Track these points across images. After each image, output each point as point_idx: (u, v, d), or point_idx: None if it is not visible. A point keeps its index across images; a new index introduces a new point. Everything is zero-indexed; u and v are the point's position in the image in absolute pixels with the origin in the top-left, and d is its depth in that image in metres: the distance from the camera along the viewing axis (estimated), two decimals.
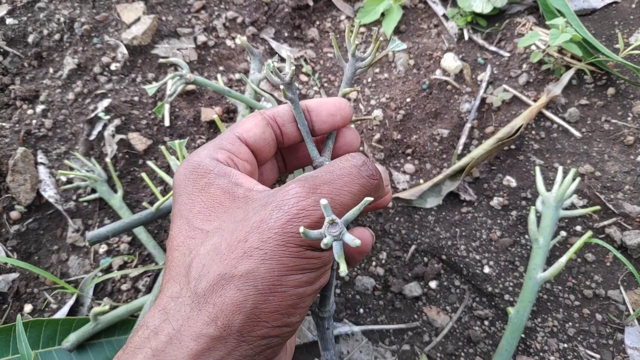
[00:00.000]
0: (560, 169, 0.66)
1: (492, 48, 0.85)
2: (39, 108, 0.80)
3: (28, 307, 0.70)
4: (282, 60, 0.87)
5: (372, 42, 0.44)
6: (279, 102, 0.76)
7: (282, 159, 0.51)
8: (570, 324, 0.64)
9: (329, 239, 0.29)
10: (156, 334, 0.33)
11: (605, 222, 0.69)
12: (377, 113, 0.79)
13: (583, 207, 0.70)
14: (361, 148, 0.77)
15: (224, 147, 0.42)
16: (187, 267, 0.35)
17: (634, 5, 0.85)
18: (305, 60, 0.87)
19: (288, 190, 0.35)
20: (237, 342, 0.33)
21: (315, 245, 0.34)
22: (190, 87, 0.81)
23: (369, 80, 0.84)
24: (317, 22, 0.91)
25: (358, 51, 0.46)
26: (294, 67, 0.44)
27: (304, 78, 0.85)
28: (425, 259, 0.71)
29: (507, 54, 0.83)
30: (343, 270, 0.28)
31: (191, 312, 0.33)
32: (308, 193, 0.34)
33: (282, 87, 0.44)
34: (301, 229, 0.28)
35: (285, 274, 0.34)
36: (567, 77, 0.78)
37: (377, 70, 0.85)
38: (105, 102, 0.79)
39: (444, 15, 0.89)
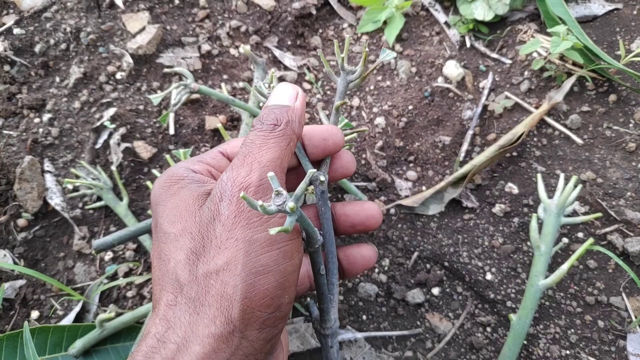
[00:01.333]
0: (562, 176, 0.66)
1: (494, 55, 0.85)
2: (46, 117, 0.81)
3: (35, 314, 0.71)
4: (287, 68, 0.88)
5: (362, 55, 0.45)
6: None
7: None
8: (572, 330, 0.65)
9: (272, 208, 0.30)
10: (164, 343, 0.34)
11: (607, 229, 0.69)
12: (380, 120, 0.80)
13: (585, 213, 0.71)
14: (364, 155, 0.78)
15: (203, 160, 0.43)
16: (174, 275, 0.36)
17: (635, 12, 0.85)
18: (308, 68, 0.87)
19: (222, 179, 0.37)
20: (239, 340, 0.34)
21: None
22: (195, 95, 0.82)
23: (372, 87, 0.85)
24: (320, 31, 0.92)
25: (347, 65, 0.47)
26: (273, 85, 0.46)
27: (307, 86, 0.86)
28: (428, 266, 0.71)
29: (509, 61, 0.84)
30: (273, 230, 0.29)
31: (190, 317, 0.34)
32: (238, 171, 0.37)
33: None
34: (241, 194, 0.30)
35: (261, 253, 0.35)
36: (568, 84, 0.79)
37: (380, 77, 0.86)
38: (111, 111, 0.80)
39: (445, 22, 0.89)
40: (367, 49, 0.49)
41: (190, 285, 0.35)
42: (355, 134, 0.58)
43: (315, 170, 0.45)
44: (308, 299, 0.70)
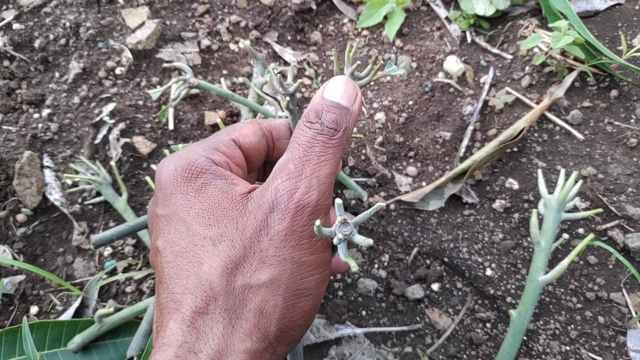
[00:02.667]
0: (563, 171, 0.66)
1: (495, 50, 0.85)
2: (45, 112, 0.81)
3: (34, 309, 0.71)
4: (286, 64, 0.87)
5: (371, 63, 0.44)
6: (282, 106, 0.77)
7: (264, 170, 0.51)
8: (572, 326, 0.64)
9: (341, 237, 0.30)
10: (195, 354, 0.32)
11: (608, 225, 0.69)
12: (380, 116, 0.80)
13: (586, 209, 0.70)
14: (364, 151, 0.78)
15: (219, 148, 0.41)
16: (208, 281, 0.34)
17: (637, 7, 0.85)
18: (308, 63, 0.87)
19: (277, 187, 0.35)
20: (270, 355, 0.34)
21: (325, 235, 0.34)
22: (194, 90, 0.82)
23: (372, 83, 0.85)
24: (320, 26, 0.92)
25: (357, 71, 0.46)
26: (300, 81, 0.45)
27: (307, 81, 0.86)
28: (428, 262, 0.71)
29: (510, 57, 0.84)
30: (354, 266, 0.29)
31: (225, 329, 0.33)
32: (296, 183, 0.35)
33: (283, 97, 0.44)
34: (317, 222, 0.29)
35: (306, 276, 0.34)
36: (569, 79, 0.78)
37: (380, 73, 0.85)
38: (110, 106, 0.80)
39: (446, 17, 0.89)
40: (379, 62, 0.48)
41: (227, 295, 0.33)
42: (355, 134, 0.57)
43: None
44: None
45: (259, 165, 0.46)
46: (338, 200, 0.31)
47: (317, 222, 0.29)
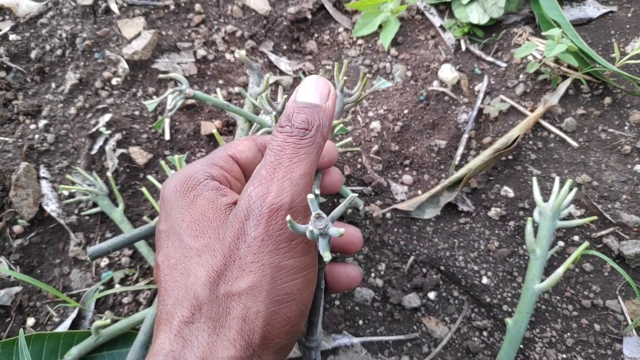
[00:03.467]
0: (557, 179, 0.66)
1: (489, 58, 0.85)
2: (42, 123, 0.81)
3: (31, 321, 0.70)
4: (282, 73, 0.88)
5: (360, 80, 0.45)
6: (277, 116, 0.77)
7: None
8: (568, 334, 0.65)
9: (315, 232, 0.30)
10: None
11: (603, 232, 0.69)
12: (375, 125, 0.80)
13: (580, 217, 0.71)
14: (359, 160, 0.78)
15: (217, 163, 0.42)
16: (192, 291, 0.34)
17: (630, 15, 0.85)
18: (303, 72, 0.87)
19: (249, 194, 0.35)
20: None
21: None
22: (190, 101, 0.82)
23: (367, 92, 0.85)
24: (316, 35, 0.92)
25: (346, 88, 0.47)
26: (285, 97, 0.45)
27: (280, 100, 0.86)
28: (424, 270, 0.71)
29: (504, 65, 0.84)
30: (327, 256, 0.29)
31: (209, 337, 0.33)
32: (268, 187, 0.35)
33: (274, 115, 0.45)
34: (288, 218, 0.29)
35: (287, 280, 0.34)
36: (563, 87, 0.79)
37: (375, 82, 0.86)
38: (107, 117, 0.80)
39: (441, 26, 0.89)
40: (366, 77, 0.49)
41: (211, 304, 0.34)
42: (351, 144, 0.58)
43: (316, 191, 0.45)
44: None
45: None
46: (310, 196, 0.30)
47: (288, 217, 0.29)
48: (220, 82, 0.86)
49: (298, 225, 0.30)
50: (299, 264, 0.35)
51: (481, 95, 0.81)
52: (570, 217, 0.70)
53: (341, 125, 0.55)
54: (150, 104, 0.65)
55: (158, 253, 0.39)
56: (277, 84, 0.85)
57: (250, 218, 0.34)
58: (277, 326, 0.34)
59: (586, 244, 0.60)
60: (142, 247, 0.71)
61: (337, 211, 0.31)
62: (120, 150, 0.78)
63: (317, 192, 0.45)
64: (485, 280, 0.69)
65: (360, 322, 0.68)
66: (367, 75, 0.85)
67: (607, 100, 0.78)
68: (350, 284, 0.51)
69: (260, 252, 0.34)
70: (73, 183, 0.76)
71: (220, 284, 0.34)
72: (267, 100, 0.45)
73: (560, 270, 0.58)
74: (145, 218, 0.73)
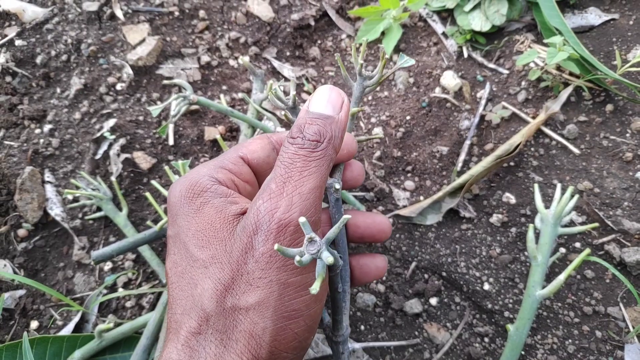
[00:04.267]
0: (559, 186, 0.67)
1: (491, 65, 0.86)
2: (47, 127, 0.82)
3: (34, 324, 0.71)
4: (285, 79, 0.88)
5: (380, 60, 0.44)
6: (281, 122, 0.78)
7: None
8: (570, 341, 0.65)
9: (307, 257, 0.29)
10: None
11: (604, 239, 0.69)
12: (377, 131, 0.80)
13: (582, 223, 0.71)
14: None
15: (225, 166, 0.41)
16: (200, 302, 0.34)
17: (631, 22, 0.86)
18: (306, 79, 0.88)
19: (258, 208, 0.35)
20: None
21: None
22: (194, 106, 0.83)
23: (369, 98, 0.86)
24: (319, 41, 0.93)
25: (365, 70, 0.46)
26: (294, 93, 0.45)
27: (305, 97, 0.86)
28: (426, 276, 0.72)
29: (506, 72, 0.84)
30: (314, 288, 0.28)
31: (216, 349, 0.33)
32: (277, 202, 0.34)
33: (285, 111, 0.45)
34: (276, 246, 0.28)
35: (294, 297, 0.34)
36: (565, 94, 0.79)
37: (378, 88, 0.86)
38: (111, 122, 0.81)
39: (443, 33, 0.90)
40: (386, 56, 0.47)
41: (218, 316, 0.34)
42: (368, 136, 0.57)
43: (332, 179, 0.44)
44: None
45: None
46: (302, 219, 0.30)
47: (276, 246, 0.28)
48: (224, 87, 0.87)
49: (289, 249, 0.29)
50: (307, 280, 0.35)
51: (483, 101, 0.81)
52: (571, 223, 0.71)
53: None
54: (155, 110, 0.66)
55: (167, 258, 0.39)
56: (282, 89, 0.86)
57: (258, 233, 0.34)
58: (285, 342, 0.34)
59: (588, 250, 0.60)
60: (145, 251, 0.72)
61: (331, 233, 0.31)
62: (124, 155, 0.78)
63: (338, 186, 0.44)
64: (486, 287, 0.69)
65: (362, 327, 0.69)
66: (386, 57, 0.85)
67: (609, 107, 0.78)
68: (379, 274, 0.51)
69: (268, 268, 0.33)
70: (77, 187, 0.77)
71: (228, 298, 0.34)
72: (278, 96, 0.45)
73: (561, 277, 0.58)
74: (148, 222, 0.74)
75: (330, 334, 0.47)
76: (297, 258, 0.29)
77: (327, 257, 0.29)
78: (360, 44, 0.81)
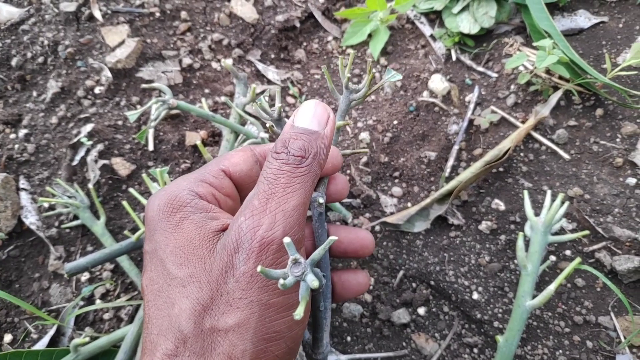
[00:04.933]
0: (549, 193, 0.65)
1: (480, 69, 0.84)
2: (22, 132, 0.79)
3: (8, 337, 0.68)
4: (270, 82, 0.86)
5: (367, 73, 0.42)
6: (264, 126, 0.76)
7: None
8: (560, 351, 0.63)
9: (290, 279, 0.28)
10: None
11: (595, 247, 0.68)
12: (364, 135, 0.79)
13: (573, 230, 0.69)
14: (348, 171, 0.76)
15: (206, 179, 0.40)
16: (177, 323, 0.33)
17: (621, 25, 0.85)
18: (292, 82, 0.86)
19: (240, 225, 0.33)
20: None
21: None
22: (175, 111, 0.81)
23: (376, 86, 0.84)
24: (304, 44, 0.91)
25: (352, 83, 0.45)
26: (280, 105, 0.44)
27: (290, 100, 0.84)
28: (414, 285, 0.70)
29: (495, 75, 0.83)
30: (298, 313, 0.27)
31: None
32: (259, 219, 0.33)
33: (269, 123, 0.43)
34: (259, 269, 0.27)
35: (276, 318, 0.33)
36: (555, 98, 0.78)
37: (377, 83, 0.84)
38: (89, 127, 0.78)
39: (431, 35, 0.88)
40: (374, 70, 0.46)
41: (195, 338, 0.32)
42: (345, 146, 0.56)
43: (316, 192, 0.43)
44: None
45: None
46: (286, 239, 0.28)
47: (259, 268, 0.27)
48: (206, 91, 0.84)
49: (272, 271, 0.28)
50: (289, 301, 0.34)
51: (472, 106, 0.80)
52: (562, 231, 0.69)
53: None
54: (132, 115, 0.63)
55: (143, 274, 0.38)
56: (268, 93, 0.84)
57: (239, 251, 0.33)
58: None
59: (579, 259, 0.59)
60: (123, 261, 0.69)
61: (316, 254, 0.30)
62: (102, 161, 0.75)
63: (322, 200, 0.43)
64: (475, 296, 0.67)
65: (349, 338, 0.67)
66: (374, 72, 0.83)
67: (599, 111, 0.77)
68: (361, 290, 0.50)
69: (249, 288, 0.32)
70: (53, 195, 0.74)
71: (206, 318, 0.32)
72: (263, 108, 0.43)
73: (552, 287, 0.57)
74: (126, 232, 0.71)
75: (310, 351, 0.45)
76: (281, 281, 0.28)
77: (312, 281, 0.28)
78: (348, 54, 0.79)
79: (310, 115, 0.38)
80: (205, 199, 0.39)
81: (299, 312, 0.27)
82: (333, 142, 0.48)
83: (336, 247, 0.49)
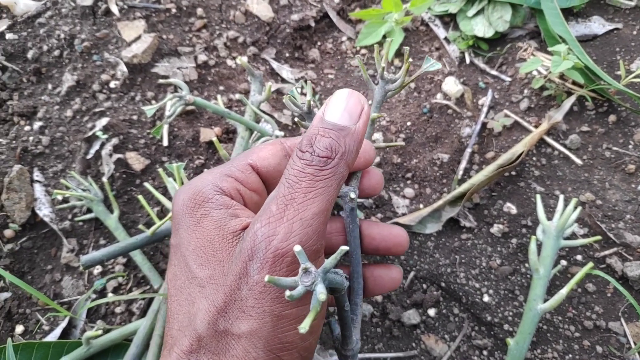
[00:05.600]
0: (562, 197, 0.65)
1: (494, 72, 0.84)
2: (37, 125, 0.79)
3: (19, 328, 0.69)
4: (284, 81, 0.86)
5: (404, 62, 0.41)
6: (279, 124, 0.76)
7: None
8: (570, 356, 0.63)
9: (300, 289, 0.27)
10: None
11: (606, 252, 0.68)
12: (377, 136, 0.79)
13: (584, 236, 0.70)
14: None
15: (232, 174, 0.39)
16: (194, 322, 0.33)
17: (635, 32, 0.85)
18: (305, 81, 0.86)
19: (255, 232, 0.32)
20: None
21: None
22: (190, 107, 0.81)
23: (370, 102, 0.84)
24: (319, 43, 0.91)
25: (387, 73, 0.44)
26: (309, 98, 0.43)
27: (304, 99, 0.85)
28: (424, 286, 0.70)
29: (509, 79, 0.83)
30: (303, 327, 0.26)
31: None
32: (275, 228, 0.31)
33: (297, 118, 0.43)
34: (266, 278, 0.26)
35: (288, 329, 0.32)
36: (568, 103, 0.78)
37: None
38: (104, 121, 0.78)
39: (445, 38, 0.89)
40: (410, 59, 0.44)
41: (211, 338, 0.32)
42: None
43: (348, 187, 0.42)
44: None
45: None
46: (297, 248, 0.27)
47: (267, 277, 0.26)
48: (221, 88, 0.85)
49: (281, 280, 0.27)
50: (303, 312, 0.32)
51: (485, 109, 0.80)
52: (573, 236, 0.70)
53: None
54: (149, 110, 0.64)
55: (168, 267, 0.38)
56: (278, 92, 0.84)
57: (254, 260, 0.31)
58: None
59: (591, 264, 0.59)
60: (136, 255, 0.70)
61: (328, 263, 0.28)
62: (116, 155, 0.76)
63: (353, 195, 0.42)
64: (486, 298, 0.68)
65: None
66: (410, 60, 0.83)
67: (612, 118, 0.77)
68: (393, 286, 0.48)
69: (262, 297, 0.31)
70: (67, 187, 0.74)
71: (220, 321, 0.32)
72: (293, 101, 0.43)
73: (563, 291, 0.57)
74: (141, 226, 0.71)
75: (340, 347, 0.45)
76: (288, 293, 0.27)
77: (320, 293, 0.27)
78: (362, 55, 0.79)
79: (341, 108, 0.35)
80: (229, 194, 0.38)
81: (304, 326, 0.26)
82: (366, 135, 0.48)
83: (368, 243, 0.47)
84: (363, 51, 0.89)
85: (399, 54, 0.88)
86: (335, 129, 0.34)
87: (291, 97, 0.43)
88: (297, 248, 0.28)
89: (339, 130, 0.34)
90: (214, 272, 0.34)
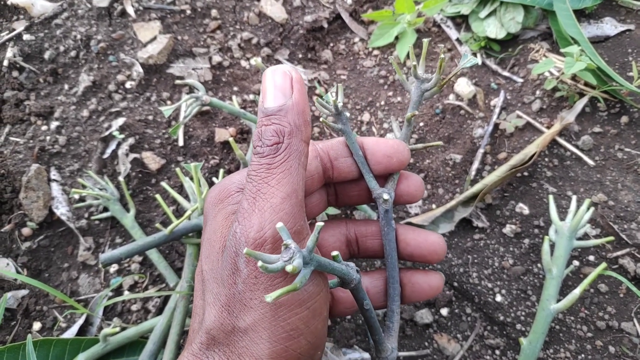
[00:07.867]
0: (574, 198, 0.66)
1: (506, 73, 0.85)
2: (54, 124, 0.80)
3: (37, 325, 0.70)
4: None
5: (438, 62, 0.41)
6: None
7: (335, 192, 0.47)
8: (582, 356, 0.64)
9: (279, 264, 0.27)
10: None
11: (619, 253, 0.68)
12: (390, 136, 0.79)
13: (596, 236, 0.70)
14: None
15: None
16: (206, 318, 0.34)
17: None
18: (318, 82, 0.87)
19: (235, 230, 0.33)
20: None
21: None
22: (205, 107, 0.82)
23: (382, 103, 0.85)
24: (331, 44, 0.92)
25: (421, 72, 0.43)
26: (334, 99, 0.42)
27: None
28: None
29: (521, 80, 0.84)
30: (270, 296, 0.26)
31: None
32: (250, 221, 0.32)
33: (326, 118, 0.42)
34: (259, 264, 0.27)
35: (290, 315, 0.32)
36: (580, 104, 0.78)
37: (390, 93, 0.85)
38: (120, 121, 0.79)
39: (457, 39, 0.89)
40: (444, 56, 0.43)
41: (218, 331, 0.33)
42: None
43: (382, 189, 0.41)
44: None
45: (313, 188, 0.43)
46: (279, 225, 0.28)
47: (260, 263, 0.26)
48: (235, 88, 0.86)
49: (265, 256, 0.27)
50: (300, 296, 0.32)
51: (497, 110, 0.81)
52: (585, 236, 0.70)
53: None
54: (167, 110, 0.65)
55: (198, 262, 0.39)
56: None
57: (239, 255, 0.32)
58: None
59: (604, 264, 0.59)
60: (152, 253, 0.71)
61: (310, 241, 0.29)
62: (132, 155, 0.77)
63: (387, 197, 0.41)
64: (499, 298, 0.68)
65: None
66: (445, 57, 0.84)
67: (624, 119, 0.77)
68: (432, 293, 0.47)
69: (255, 289, 0.32)
70: (84, 187, 0.75)
71: (226, 316, 0.33)
72: (321, 103, 0.42)
73: (577, 292, 0.57)
74: (158, 225, 0.72)
75: (375, 355, 0.43)
76: (260, 263, 0.27)
77: (291, 266, 0.27)
78: (375, 55, 0.80)
79: (272, 89, 0.34)
80: None
81: (271, 295, 0.26)
82: (403, 137, 0.46)
83: (403, 249, 0.46)
84: (375, 52, 0.90)
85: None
86: (274, 113, 0.34)
87: (319, 101, 0.43)
88: (279, 225, 0.28)
89: (278, 112, 0.34)
90: (214, 265, 0.35)
